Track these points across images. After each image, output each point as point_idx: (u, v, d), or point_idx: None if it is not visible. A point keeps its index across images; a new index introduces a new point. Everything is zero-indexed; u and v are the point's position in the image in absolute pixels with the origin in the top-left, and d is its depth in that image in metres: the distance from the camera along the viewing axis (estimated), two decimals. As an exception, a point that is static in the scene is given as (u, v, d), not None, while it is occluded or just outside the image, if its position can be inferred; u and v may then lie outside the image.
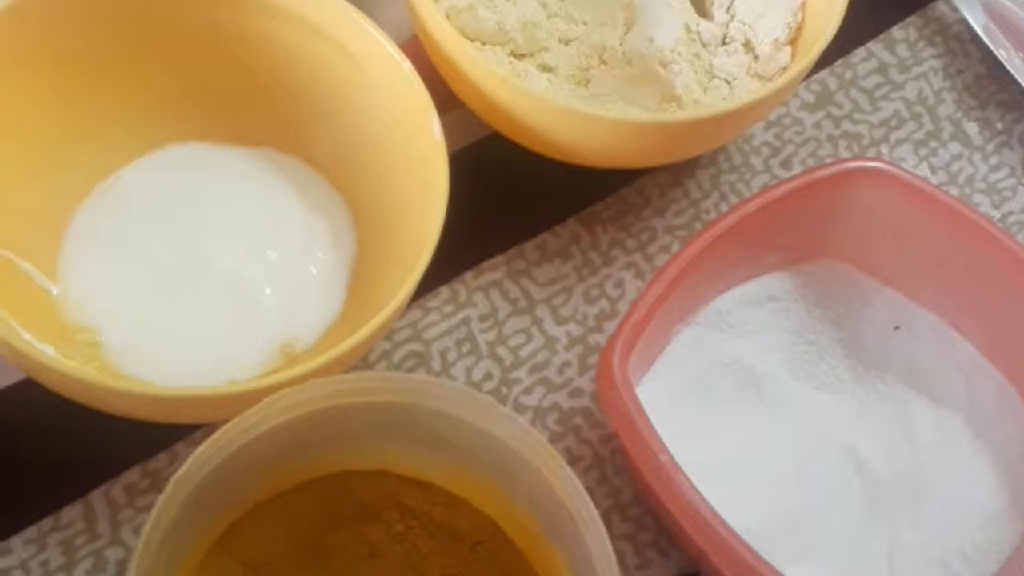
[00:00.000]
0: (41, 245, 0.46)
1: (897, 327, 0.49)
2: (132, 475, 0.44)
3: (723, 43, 0.53)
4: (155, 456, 0.45)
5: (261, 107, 0.49)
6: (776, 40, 0.52)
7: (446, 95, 0.49)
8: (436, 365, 0.48)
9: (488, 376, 0.48)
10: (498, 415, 0.39)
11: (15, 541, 0.42)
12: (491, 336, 0.49)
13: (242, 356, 0.46)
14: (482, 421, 0.39)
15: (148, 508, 0.43)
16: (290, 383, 0.39)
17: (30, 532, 0.43)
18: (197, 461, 0.35)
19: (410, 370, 0.48)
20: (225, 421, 0.44)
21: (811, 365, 0.49)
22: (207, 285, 0.47)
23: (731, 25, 0.53)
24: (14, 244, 0.44)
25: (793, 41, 0.52)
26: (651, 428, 0.41)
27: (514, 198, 0.53)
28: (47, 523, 0.43)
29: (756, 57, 0.52)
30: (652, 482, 0.41)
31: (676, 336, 0.47)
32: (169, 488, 0.35)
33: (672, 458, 0.41)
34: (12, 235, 0.44)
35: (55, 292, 0.45)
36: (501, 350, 0.49)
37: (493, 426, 0.39)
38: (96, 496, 0.44)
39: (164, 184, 0.48)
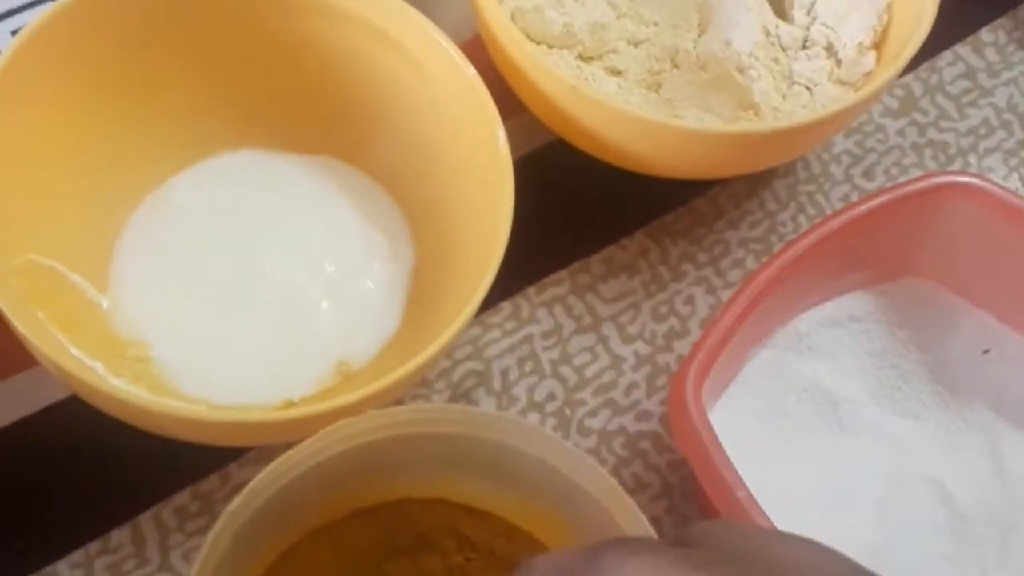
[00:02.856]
0: (92, 256, 0.44)
1: (986, 351, 0.46)
2: (183, 497, 0.43)
3: (803, 47, 0.50)
4: (206, 477, 0.43)
5: (318, 114, 0.47)
6: (860, 44, 0.49)
7: (509, 99, 0.47)
8: (497, 384, 0.46)
9: (551, 396, 0.46)
10: (561, 448, 0.37)
11: (61, 565, 0.41)
12: (554, 354, 0.47)
13: (297, 373, 0.44)
14: (545, 454, 0.37)
15: (199, 532, 0.42)
16: (348, 408, 0.37)
17: (77, 556, 0.41)
18: (250, 493, 0.34)
19: (470, 389, 0.46)
20: (280, 443, 0.43)
21: (894, 390, 0.46)
22: (261, 299, 0.45)
23: (812, 28, 0.50)
24: (64, 256, 0.43)
25: (878, 45, 0.49)
26: (727, 461, 0.39)
27: (579, 208, 0.50)
28: (95, 546, 0.41)
29: (839, 62, 0.49)
30: (728, 519, 0.38)
31: (752, 359, 0.45)
32: (221, 521, 0.33)
33: (750, 494, 0.38)
34: (62, 246, 0.43)
35: (106, 305, 0.44)
36: (565, 369, 0.47)
37: (556, 459, 0.37)
38: (145, 519, 0.42)
39: (217, 193, 0.47)
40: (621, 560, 0.24)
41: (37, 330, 0.38)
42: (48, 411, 0.44)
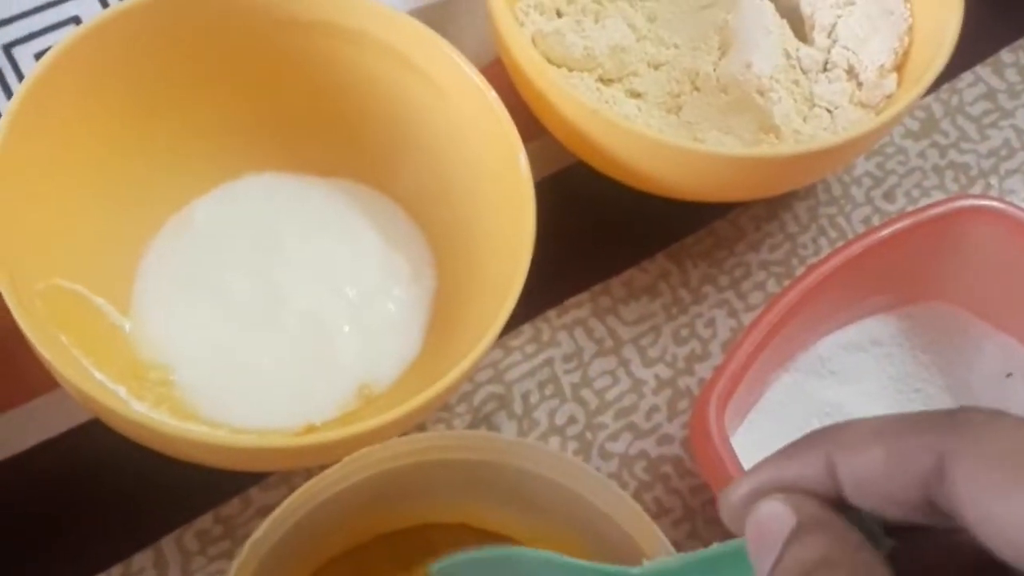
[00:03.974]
0: (114, 279, 0.44)
1: (1009, 375, 0.46)
2: (204, 521, 0.43)
3: (824, 69, 0.50)
4: (228, 501, 0.43)
5: (340, 137, 0.48)
6: (881, 67, 0.49)
7: (530, 122, 0.47)
8: (518, 408, 0.46)
9: (572, 420, 0.46)
10: (583, 474, 0.37)
11: (84, 589, 0.41)
12: (575, 378, 0.47)
13: (319, 397, 0.44)
14: (567, 480, 0.37)
15: (221, 556, 0.42)
16: (370, 434, 0.37)
17: (99, 580, 0.41)
18: (274, 523, 0.34)
19: (491, 413, 0.46)
20: (302, 468, 0.43)
21: (917, 415, 0.46)
22: (284, 322, 0.45)
23: (833, 50, 0.50)
24: (87, 279, 0.43)
25: (899, 67, 0.49)
26: (750, 488, 0.38)
27: (599, 231, 0.50)
28: (116, 570, 0.41)
29: (860, 84, 0.49)
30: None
31: (773, 383, 0.44)
32: (245, 551, 0.33)
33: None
34: (85, 269, 0.43)
35: (128, 328, 0.44)
36: (586, 392, 0.47)
37: (578, 485, 0.37)
38: (167, 542, 0.42)
39: (239, 216, 0.47)
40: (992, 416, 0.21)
41: (60, 354, 0.38)
42: (70, 434, 0.44)
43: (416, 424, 0.44)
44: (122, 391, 0.41)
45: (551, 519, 0.39)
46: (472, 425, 0.46)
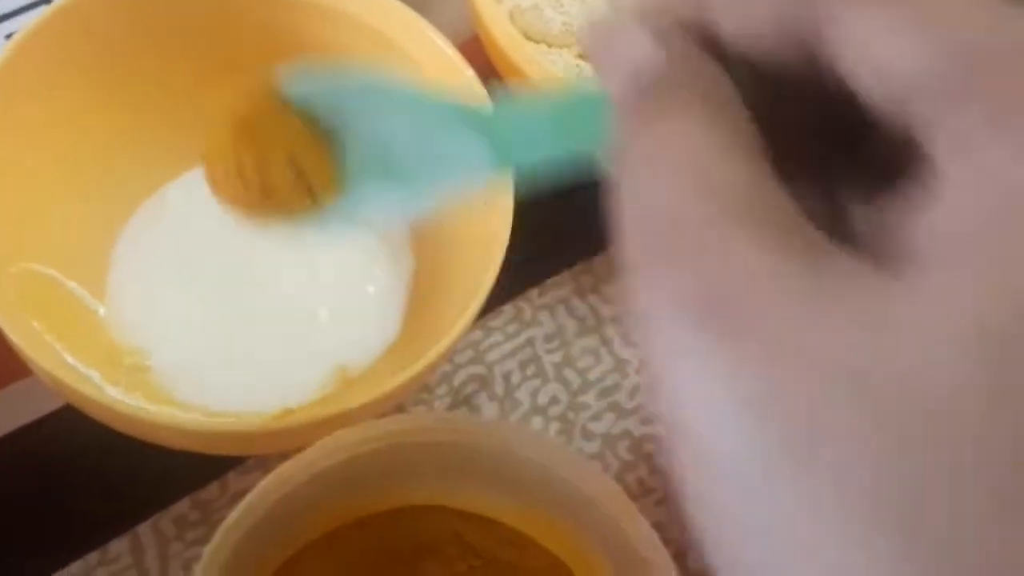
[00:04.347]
0: (89, 264, 0.44)
1: None
2: (182, 506, 0.42)
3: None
4: (206, 486, 0.43)
5: (315, 116, 0.47)
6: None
7: (509, 100, 0.46)
8: (499, 389, 0.46)
9: (554, 400, 0.46)
10: (564, 455, 0.37)
11: (60, 577, 0.41)
12: (557, 358, 0.47)
13: (296, 380, 0.43)
14: (548, 461, 0.37)
15: (198, 541, 0.42)
16: (347, 415, 0.36)
17: (75, 567, 0.41)
18: (248, 507, 0.33)
19: (472, 394, 0.45)
20: (279, 452, 0.42)
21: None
22: (260, 305, 0.44)
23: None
24: (61, 263, 0.42)
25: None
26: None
27: (581, 207, 0.50)
28: (93, 557, 0.41)
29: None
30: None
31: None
32: (219, 536, 0.33)
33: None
34: (58, 253, 0.42)
35: (102, 313, 0.43)
36: (568, 372, 0.46)
37: (559, 466, 0.37)
38: (144, 529, 0.42)
39: (213, 199, 0.46)
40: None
41: (32, 340, 0.38)
42: (44, 421, 0.43)
43: (394, 406, 0.43)
44: (96, 376, 0.41)
45: (533, 501, 0.38)
46: (453, 406, 0.45)
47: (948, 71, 0.17)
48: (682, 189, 0.18)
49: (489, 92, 0.42)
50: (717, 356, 0.16)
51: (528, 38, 0.48)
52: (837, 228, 0.18)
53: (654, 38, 0.20)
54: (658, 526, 0.36)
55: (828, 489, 0.15)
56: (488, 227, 0.41)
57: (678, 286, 0.17)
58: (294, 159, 0.30)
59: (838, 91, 0.19)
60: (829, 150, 0.21)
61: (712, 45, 0.20)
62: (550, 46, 0.48)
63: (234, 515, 0.33)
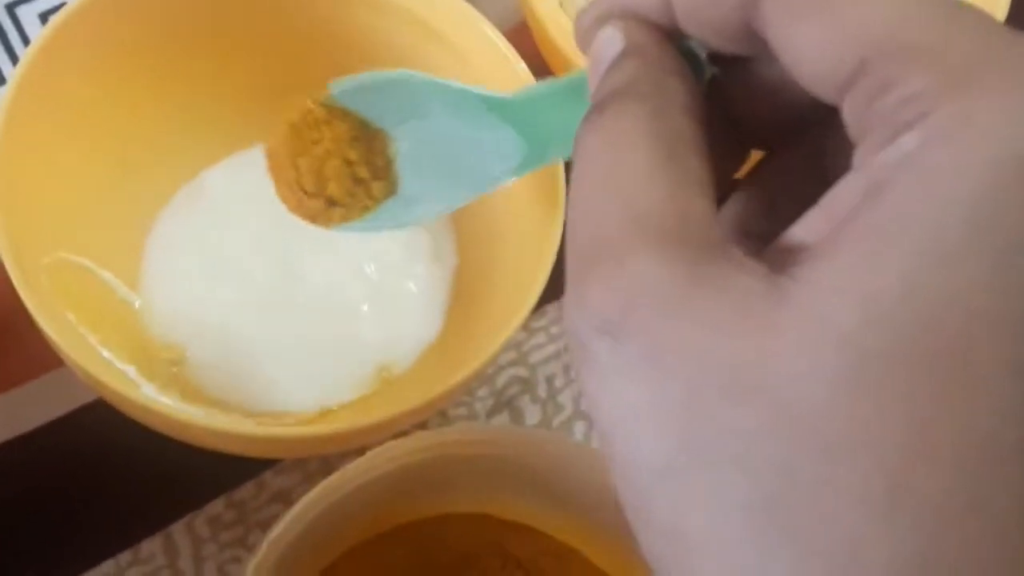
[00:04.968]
0: (123, 253, 0.43)
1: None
2: (216, 506, 0.41)
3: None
4: (241, 485, 0.41)
5: (359, 106, 0.45)
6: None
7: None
8: (542, 392, 0.44)
9: (598, 405, 0.44)
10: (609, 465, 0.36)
11: (91, 577, 0.40)
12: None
13: (335, 378, 0.42)
14: (593, 471, 0.36)
15: (233, 543, 0.41)
16: (389, 422, 0.35)
17: (107, 567, 0.40)
18: (292, 520, 0.32)
19: (514, 397, 0.44)
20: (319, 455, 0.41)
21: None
22: (299, 300, 0.43)
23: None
24: (95, 252, 0.41)
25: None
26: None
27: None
28: (125, 557, 0.40)
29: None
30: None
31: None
32: (263, 549, 0.31)
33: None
34: (93, 242, 0.41)
35: (137, 304, 0.42)
36: (613, 376, 0.45)
37: (605, 477, 0.35)
38: (178, 528, 0.41)
39: (254, 187, 0.44)
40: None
41: (66, 333, 0.36)
42: (77, 413, 0.42)
43: (437, 411, 0.42)
44: (131, 371, 0.40)
45: (580, 512, 0.37)
46: (494, 409, 0.44)
47: (848, 64, 0.18)
48: (605, 210, 0.19)
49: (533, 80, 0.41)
50: (611, 362, 0.18)
51: (579, 28, 0.46)
52: (777, 229, 0.19)
53: (623, 34, 0.22)
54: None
55: (706, 485, 0.17)
56: (538, 226, 0.40)
57: (584, 298, 0.18)
58: (349, 163, 0.29)
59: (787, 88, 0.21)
60: (781, 147, 0.23)
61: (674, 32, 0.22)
62: (601, 37, 0.46)
63: (279, 527, 0.31)
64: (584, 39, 0.23)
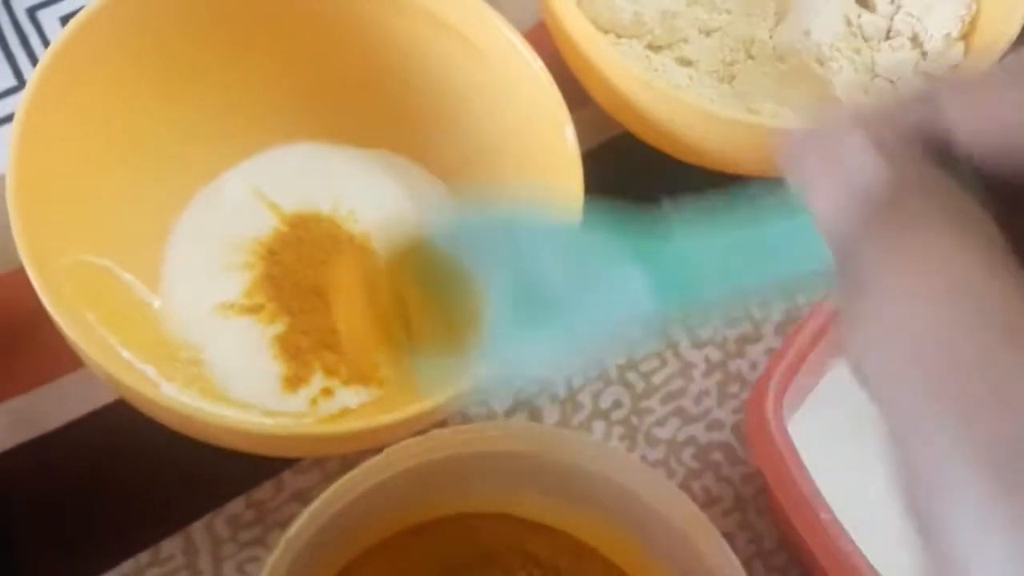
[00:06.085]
0: (143, 254, 0.43)
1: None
2: (236, 506, 0.41)
3: (887, 37, 0.47)
4: (260, 485, 0.41)
5: (377, 107, 0.45)
6: (948, 35, 0.46)
7: (574, 90, 0.45)
8: (561, 391, 0.44)
9: (617, 404, 0.44)
10: (628, 464, 0.36)
11: (111, 576, 0.40)
12: (621, 359, 0.45)
13: (354, 378, 0.42)
14: (613, 472, 0.36)
15: (252, 542, 0.41)
16: (408, 421, 0.35)
17: (127, 567, 0.40)
18: (309, 518, 0.32)
19: (533, 395, 0.44)
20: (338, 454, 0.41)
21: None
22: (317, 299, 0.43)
23: (896, 17, 0.47)
24: (115, 253, 0.41)
25: (966, 36, 0.47)
26: (810, 481, 0.37)
27: (647, 204, 0.48)
28: (144, 557, 0.40)
29: (924, 54, 0.46)
30: (810, 542, 0.36)
31: (832, 368, 0.42)
32: (280, 547, 0.31)
33: (834, 516, 0.36)
34: (113, 243, 0.41)
35: (157, 305, 0.42)
36: (631, 375, 0.45)
37: (624, 476, 0.36)
38: (197, 528, 0.40)
39: (273, 188, 0.45)
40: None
41: (86, 334, 0.37)
42: (97, 414, 0.42)
43: (456, 409, 0.42)
44: (151, 371, 0.40)
45: (596, 509, 0.37)
46: (513, 408, 0.44)
47: None
48: (955, 319, 0.16)
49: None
50: (1011, 513, 0.15)
51: (597, 27, 0.46)
52: None
53: (880, 151, 0.18)
54: (725, 536, 0.35)
55: None
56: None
57: (970, 438, 0.16)
58: (418, 306, 0.28)
59: None
60: None
61: (936, 151, 0.19)
62: (619, 36, 0.46)
63: (296, 525, 0.31)
64: (814, 156, 0.19)
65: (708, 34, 0.47)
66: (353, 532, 0.36)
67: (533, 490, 0.37)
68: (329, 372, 0.42)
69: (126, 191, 0.42)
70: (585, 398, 0.44)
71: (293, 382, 0.41)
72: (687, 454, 0.44)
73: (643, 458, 0.43)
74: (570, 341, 0.25)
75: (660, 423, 0.44)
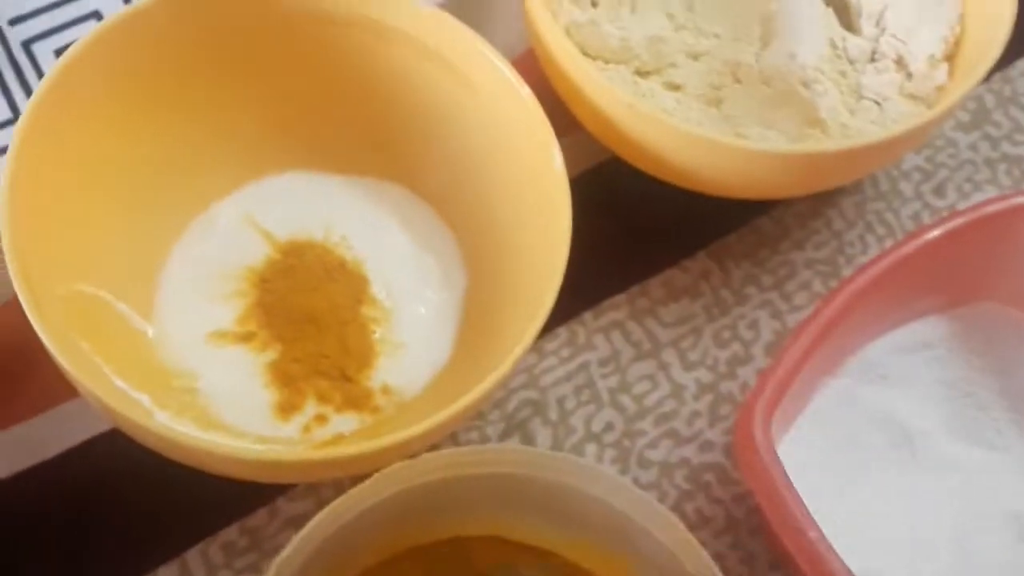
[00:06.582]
0: (137, 283, 0.43)
1: (1068, 379, 0.44)
2: (230, 533, 0.41)
3: (872, 59, 0.48)
4: (255, 512, 0.42)
5: (366, 135, 0.46)
6: (931, 56, 0.46)
7: (562, 115, 0.45)
8: (553, 414, 0.45)
9: (609, 427, 0.45)
10: (620, 486, 0.36)
11: (107, 604, 0.40)
12: (613, 382, 0.45)
13: (347, 404, 0.42)
14: (604, 492, 0.36)
15: (247, 569, 0.41)
16: (401, 446, 0.36)
17: (123, 594, 0.40)
18: (301, 542, 0.32)
19: (526, 419, 0.44)
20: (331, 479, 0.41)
21: (971, 420, 0.44)
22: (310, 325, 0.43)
23: (881, 39, 0.48)
24: (109, 283, 0.42)
25: (950, 57, 0.47)
26: (798, 500, 0.37)
27: (637, 229, 0.49)
28: (140, 584, 0.40)
29: (909, 75, 0.47)
30: (800, 561, 0.36)
31: (821, 389, 0.43)
32: (272, 573, 0.32)
33: (822, 534, 0.36)
34: (107, 273, 0.42)
35: (151, 334, 0.43)
36: (624, 398, 0.45)
37: (619, 502, 0.36)
38: (192, 555, 0.41)
39: (265, 218, 0.45)
40: None
41: (80, 363, 0.37)
42: (93, 442, 0.42)
43: (448, 434, 0.43)
44: (145, 399, 0.40)
45: (591, 533, 0.37)
46: (506, 432, 0.44)
47: None
48: None
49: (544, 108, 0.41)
50: None
51: (585, 54, 0.46)
52: None
53: None
54: (717, 557, 0.35)
55: None
56: (545, 248, 0.40)
57: None
58: None
59: None
60: None
61: None
62: (607, 62, 0.47)
63: (287, 550, 0.32)
64: None
65: (695, 58, 0.48)
66: (345, 556, 0.36)
67: (526, 513, 0.37)
68: (322, 399, 0.42)
69: (119, 221, 0.43)
70: (577, 422, 0.45)
71: (286, 409, 0.42)
72: (679, 475, 0.44)
73: (636, 480, 0.44)
74: None
75: (652, 445, 0.44)
